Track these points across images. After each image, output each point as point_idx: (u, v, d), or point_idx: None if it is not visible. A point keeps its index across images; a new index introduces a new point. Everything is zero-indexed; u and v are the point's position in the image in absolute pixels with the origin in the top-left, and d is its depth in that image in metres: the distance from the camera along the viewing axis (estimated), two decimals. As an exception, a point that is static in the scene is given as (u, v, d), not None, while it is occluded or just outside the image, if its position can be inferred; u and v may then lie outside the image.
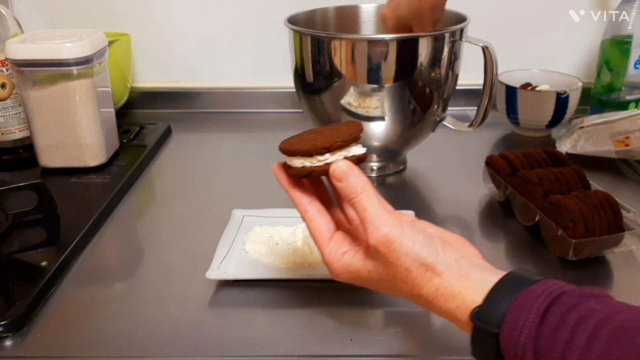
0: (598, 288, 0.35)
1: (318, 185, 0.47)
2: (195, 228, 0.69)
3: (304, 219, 0.44)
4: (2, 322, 0.50)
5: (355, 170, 0.41)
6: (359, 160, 0.44)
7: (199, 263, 0.58)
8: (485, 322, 0.35)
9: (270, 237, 0.62)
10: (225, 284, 0.57)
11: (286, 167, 0.45)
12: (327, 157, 0.43)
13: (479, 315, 0.36)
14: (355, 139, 0.44)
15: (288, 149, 0.44)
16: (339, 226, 0.46)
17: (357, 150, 0.44)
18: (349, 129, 0.44)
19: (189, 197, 0.77)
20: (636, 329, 0.30)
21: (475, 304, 0.36)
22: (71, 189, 0.76)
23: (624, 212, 0.61)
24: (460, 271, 0.38)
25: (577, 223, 0.57)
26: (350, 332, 0.51)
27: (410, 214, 0.64)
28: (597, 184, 0.66)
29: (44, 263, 0.59)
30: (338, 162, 0.42)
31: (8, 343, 0.50)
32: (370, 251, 0.40)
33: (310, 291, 0.56)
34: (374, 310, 0.54)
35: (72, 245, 0.62)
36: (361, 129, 0.44)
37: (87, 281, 0.59)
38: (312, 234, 0.44)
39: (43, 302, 0.55)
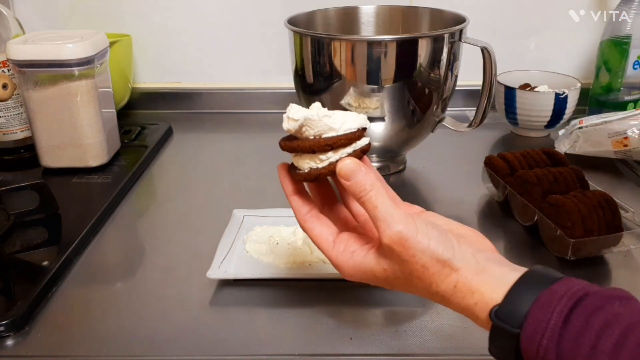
0: (620, 288, 0.34)
1: (322, 185, 0.46)
2: (196, 228, 0.69)
3: (303, 228, 0.43)
4: (4, 322, 0.50)
5: (362, 167, 0.40)
6: (363, 152, 0.42)
7: (200, 262, 0.58)
8: (505, 321, 0.34)
9: (270, 236, 0.62)
10: (226, 284, 0.57)
11: (292, 169, 0.44)
12: (331, 156, 0.41)
13: (498, 314, 0.35)
14: (358, 135, 0.42)
15: (290, 146, 0.43)
16: (344, 225, 0.45)
17: (362, 142, 0.42)
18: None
19: (190, 197, 0.77)
20: None
21: (495, 301, 0.35)
22: (72, 189, 0.76)
23: (622, 212, 0.61)
24: (477, 266, 0.37)
25: (576, 223, 0.58)
26: (350, 331, 0.51)
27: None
28: (596, 184, 0.67)
29: (45, 263, 0.60)
30: (344, 160, 0.40)
31: (9, 342, 0.50)
32: (384, 250, 0.39)
33: (310, 290, 0.56)
34: (374, 309, 0.54)
35: (73, 245, 0.62)
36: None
37: (88, 281, 0.59)
38: (314, 242, 0.43)
39: (44, 302, 0.55)
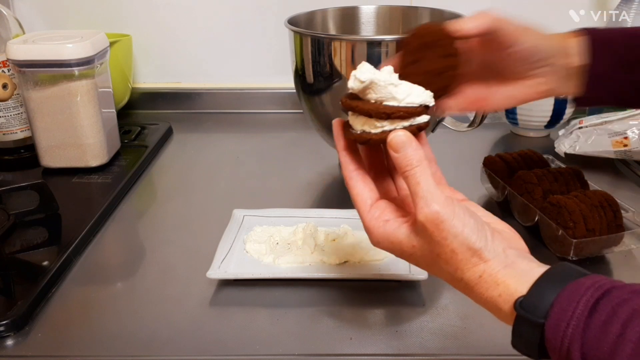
0: None
1: (374, 150, 0.46)
2: (196, 228, 0.69)
3: (347, 185, 0.43)
4: (4, 322, 0.50)
5: (413, 142, 0.39)
6: (419, 129, 0.41)
7: (200, 262, 0.58)
8: (530, 312, 0.34)
9: (270, 236, 0.62)
10: (226, 283, 0.57)
11: (346, 127, 0.44)
12: (385, 125, 0.40)
13: (523, 304, 0.34)
14: (418, 111, 0.41)
15: (349, 104, 0.42)
16: (386, 194, 0.45)
17: (421, 118, 0.42)
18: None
19: (189, 197, 0.77)
20: None
21: (520, 293, 0.35)
22: (72, 189, 0.76)
23: (622, 211, 0.61)
24: (506, 260, 0.37)
25: (578, 223, 0.58)
26: (350, 331, 0.51)
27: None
28: (596, 184, 0.67)
29: (45, 263, 0.60)
30: (397, 132, 0.40)
31: (10, 342, 0.50)
32: (417, 227, 0.39)
33: (310, 290, 0.56)
34: (374, 309, 0.54)
35: (73, 245, 0.62)
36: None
37: (88, 281, 0.59)
38: (353, 200, 0.42)
39: (44, 302, 0.55)
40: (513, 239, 0.40)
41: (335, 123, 0.44)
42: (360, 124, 0.42)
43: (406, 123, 0.41)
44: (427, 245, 0.38)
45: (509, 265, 0.37)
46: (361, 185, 0.43)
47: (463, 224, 0.37)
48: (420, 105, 0.41)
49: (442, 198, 0.37)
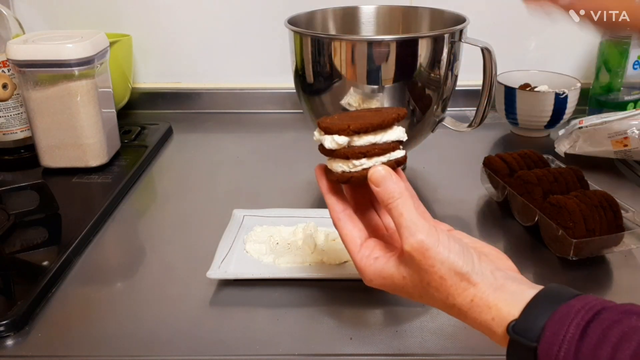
0: (637, 304, 0.34)
1: (357, 189, 0.47)
2: (196, 228, 0.69)
3: (336, 226, 0.44)
4: (4, 322, 0.50)
5: (393, 175, 0.41)
6: (397, 164, 0.44)
7: (200, 262, 0.58)
8: (523, 335, 0.34)
9: (270, 236, 0.62)
10: (226, 284, 0.57)
11: (327, 171, 0.46)
12: (364, 162, 0.42)
13: (515, 328, 0.35)
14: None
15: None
16: (375, 232, 0.46)
17: (397, 153, 0.44)
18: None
19: (190, 197, 0.77)
20: None
21: (512, 316, 0.36)
22: (72, 189, 0.76)
23: (622, 212, 0.61)
24: (495, 283, 0.38)
25: (578, 223, 0.58)
26: (350, 331, 0.51)
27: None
28: (596, 184, 0.67)
29: (45, 263, 0.60)
30: (376, 167, 0.42)
31: (9, 342, 0.50)
32: (405, 257, 0.40)
33: (310, 290, 0.56)
34: (374, 309, 0.54)
35: (73, 245, 0.62)
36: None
37: (88, 281, 0.59)
38: (343, 240, 0.44)
39: (44, 302, 0.55)
40: (500, 259, 0.41)
41: (317, 168, 0.46)
42: (339, 166, 0.43)
43: (384, 159, 0.43)
44: (417, 274, 0.39)
45: (499, 288, 0.37)
46: (350, 226, 0.44)
47: (448, 250, 0.38)
48: (394, 142, 0.43)
49: (426, 227, 0.39)
